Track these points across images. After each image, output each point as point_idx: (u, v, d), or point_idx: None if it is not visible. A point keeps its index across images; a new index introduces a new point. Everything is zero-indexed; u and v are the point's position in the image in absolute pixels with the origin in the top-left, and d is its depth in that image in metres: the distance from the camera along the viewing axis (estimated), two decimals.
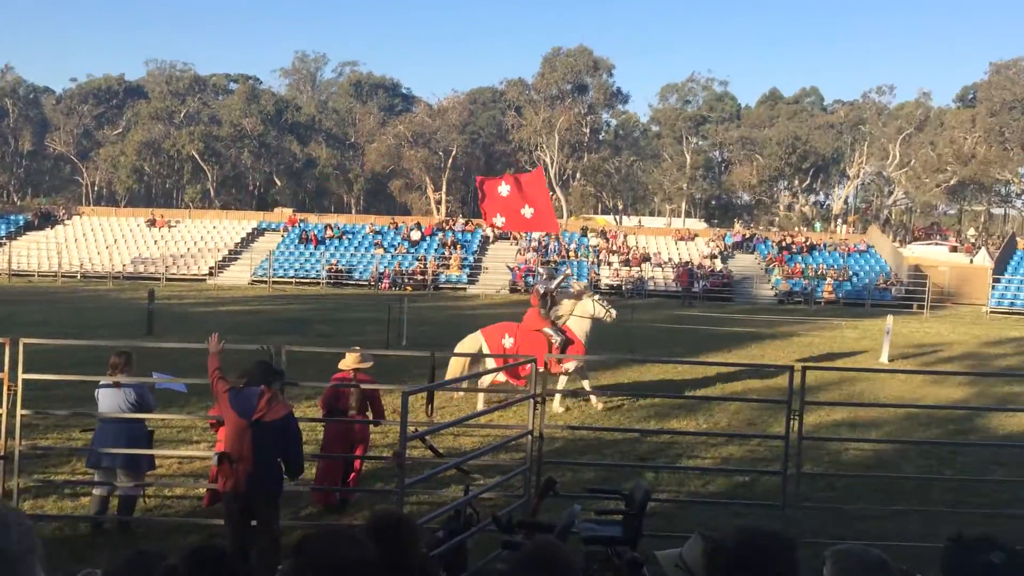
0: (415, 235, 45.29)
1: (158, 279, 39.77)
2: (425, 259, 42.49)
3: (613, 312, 14.20)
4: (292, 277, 41.52)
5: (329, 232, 45.83)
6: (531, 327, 13.53)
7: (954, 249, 52.76)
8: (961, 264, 45.05)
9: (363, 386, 8.43)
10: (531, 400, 7.47)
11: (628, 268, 42.49)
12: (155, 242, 46.01)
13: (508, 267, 41.25)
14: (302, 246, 44.62)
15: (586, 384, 13.56)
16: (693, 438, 11.42)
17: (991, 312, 36.02)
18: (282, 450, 5.97)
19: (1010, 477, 9.41)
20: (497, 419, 11.26)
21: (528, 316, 13.82)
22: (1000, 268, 39.41)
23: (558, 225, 16.32)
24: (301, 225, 47.23)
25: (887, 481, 9.40)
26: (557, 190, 66.49)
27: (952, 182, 62.68)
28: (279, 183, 76.33)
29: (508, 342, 13.22)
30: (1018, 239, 45.99)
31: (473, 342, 13.36)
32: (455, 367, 12.86)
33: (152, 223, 48.35)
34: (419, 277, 41.10)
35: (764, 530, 2.26)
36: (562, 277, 15.00)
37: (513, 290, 39.80)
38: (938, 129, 65.51)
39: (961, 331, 28.37)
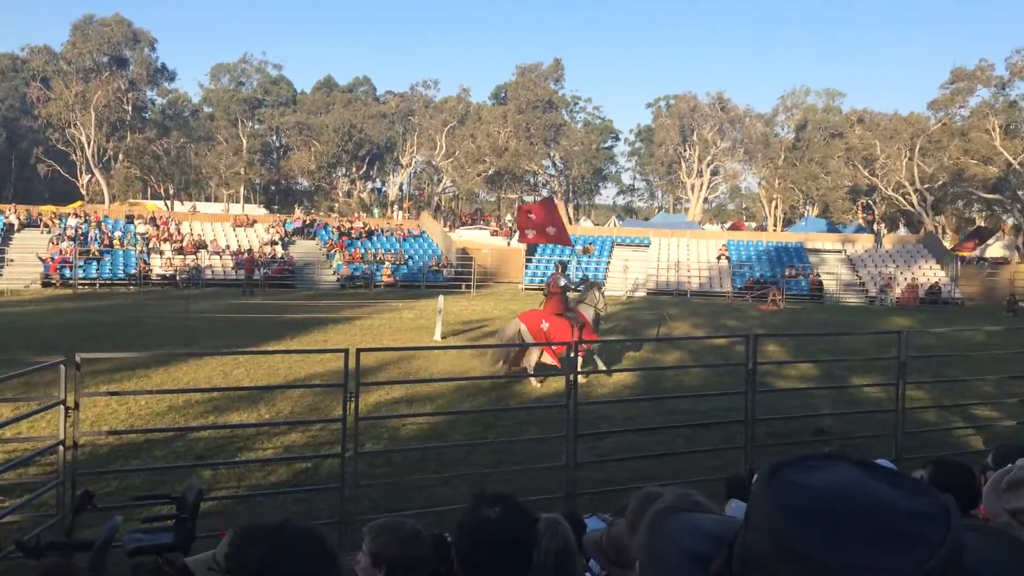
0: None
1: None
2: None
3: (608, 307, 17.95)
4: None
5: None
6: (556, 312, 16.13)
7: (495, 233, 58.40)
8: (500, 247, 49.94)
9: None
10: (61, 407, 6.59)
11: (182, 257, 40.12)
12: None
13: (40, 258, 36.62)
14: None
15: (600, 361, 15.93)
16: (255, 429, 11.10)
17: (525, 288, 40.44)
18: None
19: (542, 435, 10.56)
20: (26, 431, 9.88)
21: (552, 304, 16.42)
22: (531, 250, 44.29)
23: (570, 240, 20.08)
24: None
25: (439, 450, 9.99)
26: (96, 172, 60.44)
27: (490, 172, 69.03)
28: None
29: (545, 326, 15.67)
30: None
31: (514, 327, 15.95)
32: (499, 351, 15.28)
33: None
34: None
35: (291, 524, 2.16)
36: (581, 282, 17.80)
37: (46, 284, 35.39)
38: (477, 123, 71.60)
39: (502, 307, 31.38)
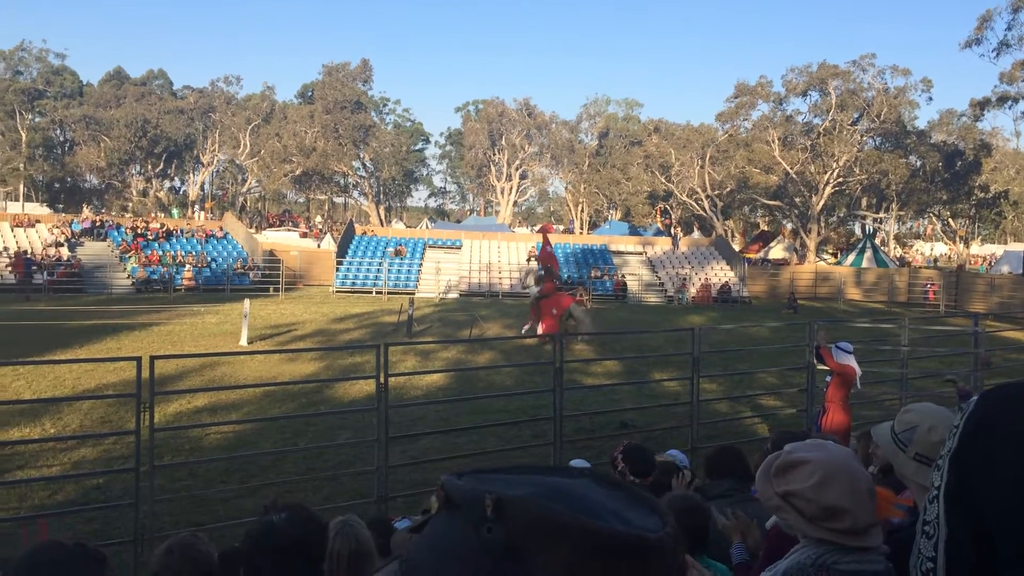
0: None
1: None
2: None
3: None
4: None
5: None
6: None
7: (304, 235, 56.95)
8: (310, 248, 48.77)
9: None
10: None
11: None
12: None
13: None
14: None
15: None
16: (39, 446, 10.24)
17: (337, 291, 39.67)
18: None
19: (353, 439, 10.39)
20: None
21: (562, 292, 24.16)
22: (342, 251, 43.60)
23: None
24: None
25: (246, 460, 9.61)
26: None
27: (298, 172, 67.26)
28: None
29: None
30: (356, 225, 51.51)
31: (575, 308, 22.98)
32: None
33: None
34: None
35: (58, 544, 2.04)
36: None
37: None
38: (283, 122, 69.46)
39: (312, 310, 30.65)
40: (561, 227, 77.09)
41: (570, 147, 73.75)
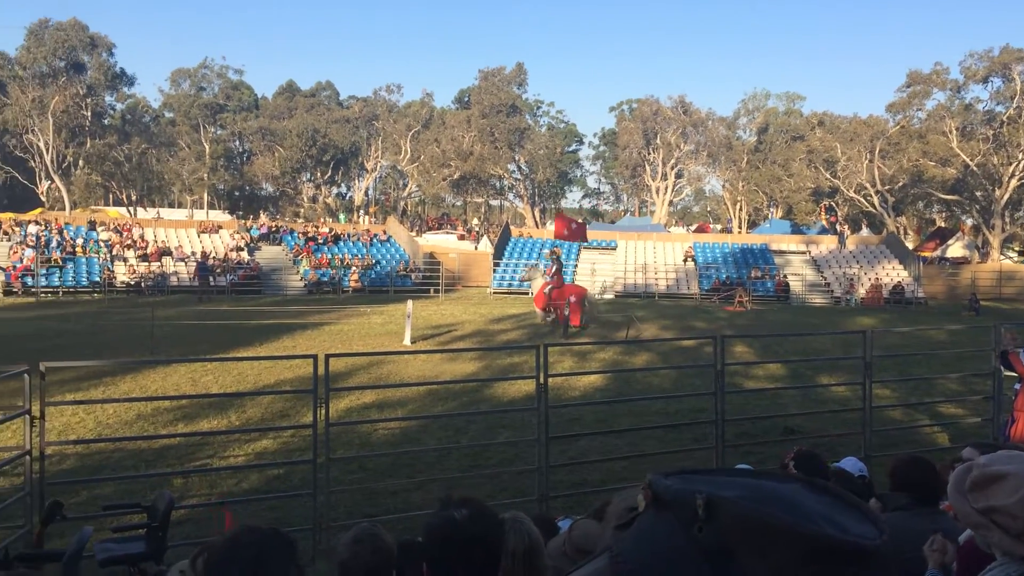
0: None
1: None
2: None
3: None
4: None
5: None
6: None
7: (462, 237, 58.31)
8: (467, 251, 49.90)
9: None
10: (26, 416, 6.48)
11: (147, 264, 39.62)
12: None
13: (0, 267, 36.02)
14: None
15: None
16: (225, 437, 10.99)
17: (494, 292, 40.40)
18: None
19: (513, 438, 10.55)
20: None
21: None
22: (499, 253, 44.39)
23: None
24: None
25: (412, 455, 9.95)
26: (56, 179, 59.50)
27: (456, 176, 68.97)
28: None
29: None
30: (512, 227, 52.27)
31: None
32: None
33: None
34: None
35: (256, 529, 2.21)
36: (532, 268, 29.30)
37: (8, 292, 34.77)
38: (441, 127, 71.43)
39: (471, 311, 31.34)
40: (719, 226, 75.28)
41: (727, 144, 71.93)
